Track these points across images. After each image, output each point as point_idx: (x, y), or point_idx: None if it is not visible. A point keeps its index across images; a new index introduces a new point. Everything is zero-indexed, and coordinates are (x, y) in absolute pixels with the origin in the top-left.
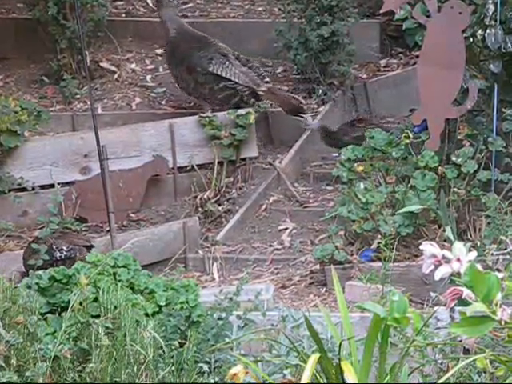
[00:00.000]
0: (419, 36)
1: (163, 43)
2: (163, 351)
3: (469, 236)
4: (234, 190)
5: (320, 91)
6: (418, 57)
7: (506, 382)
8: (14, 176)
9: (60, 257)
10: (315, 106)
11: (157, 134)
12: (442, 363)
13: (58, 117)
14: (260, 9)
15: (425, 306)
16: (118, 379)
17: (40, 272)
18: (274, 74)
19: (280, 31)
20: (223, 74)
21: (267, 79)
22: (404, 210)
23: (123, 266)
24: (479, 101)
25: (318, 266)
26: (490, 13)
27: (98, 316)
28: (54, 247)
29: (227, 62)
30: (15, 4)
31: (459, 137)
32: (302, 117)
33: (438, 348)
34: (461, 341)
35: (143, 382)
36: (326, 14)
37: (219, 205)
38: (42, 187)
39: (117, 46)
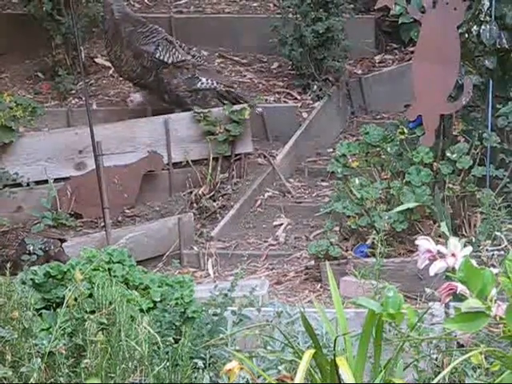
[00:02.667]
0: (414, 32)
1: (106, 25)
2: (158, 347)
3: (464, 232)
4: (228, 186)
5: (315, 87)
6: (412, 52)
7: (501, 377)
8: (8, 172)
9: (34, 250)
10: (310, 102)
11: (152, 129)
12: (436, 358)
13: (52, 112)
14: (255, 4)
15: (419, 301)
16: (112, 375)
17: (35, 268)
18: (269, 70)
19: (275, 27)
20: (169, 61)
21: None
22: (400, 207)
23: (118, 262)
24: (474, 96)
25: (312, 262)
26: (485, 8)
27: (92, 312)
28: (26, 241)
29: (174, 49)
30: None
31: (454, 132)
32: (241, 102)
33: (432, 343)
34: (456, 336)
35: (138, 378)
36: (320, 10)
37: (214, 200)
38: (37, 183)
39: None
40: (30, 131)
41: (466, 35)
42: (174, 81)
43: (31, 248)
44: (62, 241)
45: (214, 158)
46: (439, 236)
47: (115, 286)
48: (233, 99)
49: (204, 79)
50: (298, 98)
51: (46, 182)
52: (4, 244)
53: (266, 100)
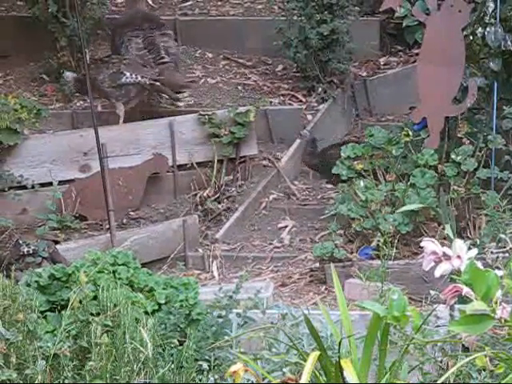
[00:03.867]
0: (419, 34)
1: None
2: (163, 349)
3: (468, 234)
4: (233, 188)
5: (320, 89)
6: (417, 55)
7: (506, 379)
8: (13, 174)
9: (28, 251)
10: (315, 104)
11: (156, 131)
12: (441, 361)
13: (57, 115)
14: (260, 7)
15: (424, 303)
16: (117, 377)
17: (39, 270)
18: (274, 72)
19: (280, 29)
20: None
21: (166, 59)
22: (404, 208)
23: (123, 264)
24: (479, 99)
25: (317, 264)
26: (490, 11)
27: (97, 314)
28: (21, 242)
29: (128, 46)
30: (15, 2)
31: (459, 135)
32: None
33: (437, 346)
34: (460, 339)
35: (143, 380)
36: (325, 12)
37: (219, 203)
38: (42, 185)
39: None
40: (35, 133)
41: (471, 37)
42: (100, 76)
43: (25, 249)
44: (56, 243)
45: (218, 161)
46: (444, 238)
47: (120, 288)
48: (155, 92)
49: (128, 73)
50: (303, 100)
51: (50, 184)
52: None
53: (271, 102)
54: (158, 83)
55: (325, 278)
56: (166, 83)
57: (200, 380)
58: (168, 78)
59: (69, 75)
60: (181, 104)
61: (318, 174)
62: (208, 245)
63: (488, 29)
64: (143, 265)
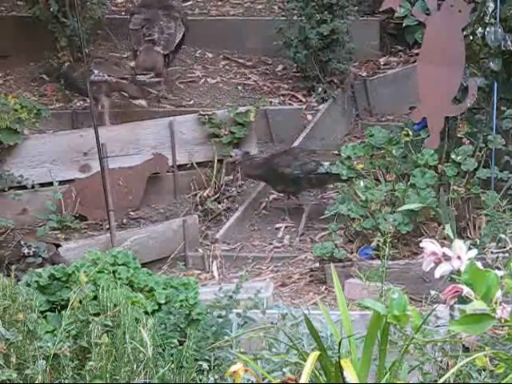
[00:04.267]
0: (419, 34)
1: None
2: (163, 349)
3: (468, 234)
4: (233, 188)
5: (320, 89)
6: (417, 55)
7: (506, 379)
8: (13, 174)
9: (28, 253)
10: (315, 104)
11: (156, 131)
12: (441, 361)
13: (57, 115)
14: (260, 7)
15: (424, 303)
16: (117, 377)
17: (39, 270)
18: (274, 72)
19: (280, 29)
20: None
21: (153, 37)
22: (404, 207)
23: (123, 264)
24: (479, 99)
25: (317, 264)
26: (490, 11)
27: (97, 314)
28: (22, 243)
29: (130, 22)
30: (15, 2)
31: (459, 135)
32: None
33: (437, 346)
34: (460, 339)
35: (142, 380)
36: (325, 12)
37: (219, 203)
38: (42, 185)
39: (116, 43)
40: (35, 133)
41: (471, 37)
42: (74, 74)
43: (25, 251)
44: (57, 246)
45: (218, 161)
46: (444, 238)
47: (120, 288)
48: (117, 90)
49: (96, 71)
50: (303, 100)
51: (50, 184)
52: (0, 245)
53: (271, 102)
54: (123, 81)
55: (325, 278)
56: (139, 62)
57: (200, 380)
58: (143, 56)
59: (64, 66)
60: (137, 103)
61: (268, 184)
62: (208, 245)
63: (488, 29)
64: (143, 265)
